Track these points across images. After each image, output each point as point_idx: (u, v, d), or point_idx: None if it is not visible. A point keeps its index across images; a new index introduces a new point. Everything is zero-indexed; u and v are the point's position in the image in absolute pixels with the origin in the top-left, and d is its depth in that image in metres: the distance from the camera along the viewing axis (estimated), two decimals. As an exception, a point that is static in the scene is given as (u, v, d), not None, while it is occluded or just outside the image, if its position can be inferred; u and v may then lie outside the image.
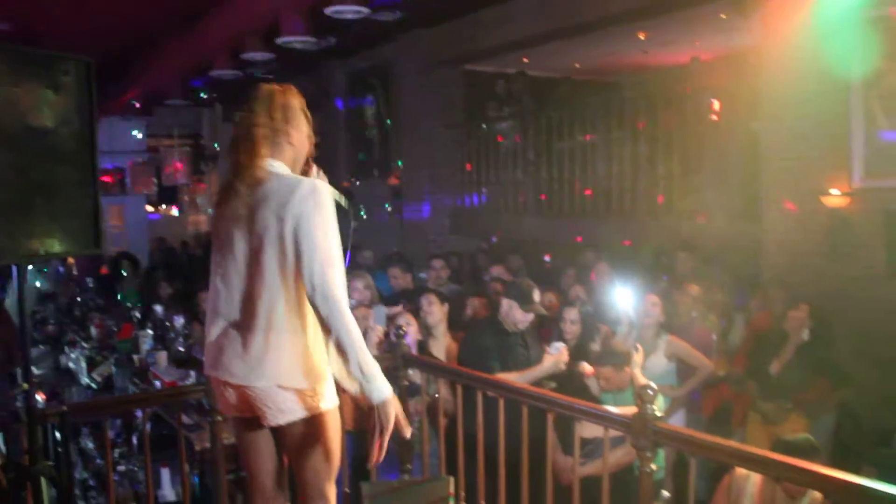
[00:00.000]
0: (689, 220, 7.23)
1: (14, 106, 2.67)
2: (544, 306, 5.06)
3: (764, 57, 6.59)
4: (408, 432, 2.50)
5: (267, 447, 2.74)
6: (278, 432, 2.65)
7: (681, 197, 7.40)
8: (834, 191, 5.91)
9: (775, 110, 6.41)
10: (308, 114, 2.72)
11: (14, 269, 3.06)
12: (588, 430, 3.76)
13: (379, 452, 2.41)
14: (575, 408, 3.18)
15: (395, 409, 2.44)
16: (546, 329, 5.22)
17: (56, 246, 2.90)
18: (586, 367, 4.44)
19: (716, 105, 7.61)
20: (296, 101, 2.69)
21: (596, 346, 5.00)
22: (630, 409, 2.86)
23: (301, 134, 2.68)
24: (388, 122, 11.14)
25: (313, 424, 2.56)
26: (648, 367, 4.82)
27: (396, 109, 11.03)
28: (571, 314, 5.11)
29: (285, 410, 2.52)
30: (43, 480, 2.87)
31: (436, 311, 4.97)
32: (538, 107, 9.94)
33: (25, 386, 2.96)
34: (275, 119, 2.62)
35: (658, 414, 2.80)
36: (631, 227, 7.88)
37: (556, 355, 4.44)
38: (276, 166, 2.59)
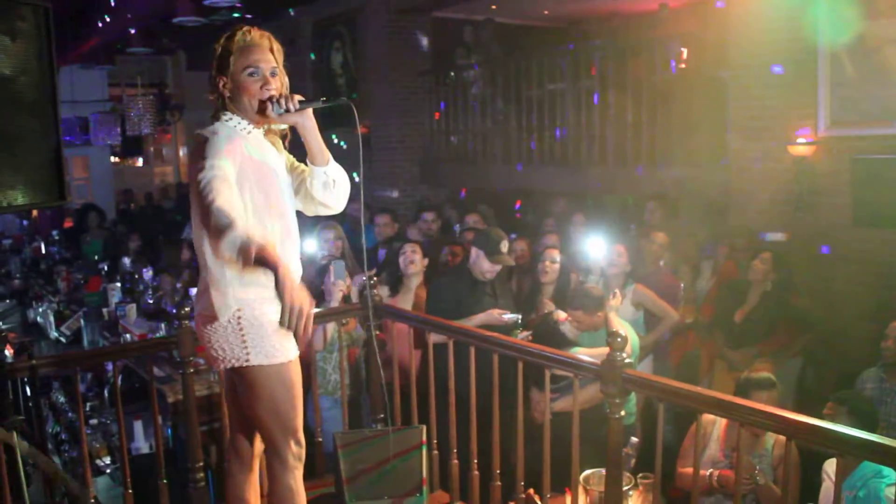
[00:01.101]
0: (657, 169, 7.26)
1: (-31, 55, 2.61)
2: (515, 254, 5.06)
3: (732, 4, 6.57)
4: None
5: (232, 396, 2.81)
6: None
7: (649, 145, 7.42)
8: (801, 139, 5.96)
9: (743, 58, 6.42)
10: (240, 48, 2.58)
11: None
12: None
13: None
14: (545, 356, 3.21)
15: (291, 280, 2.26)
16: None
17: (20, 198, 2.85)
18: (560, 314, 4.47)
19: (684, 53, 7.60)
20: (219, 45, 2.62)
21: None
22: (603, 350, 2.90)
23: (231, 75, 2.58)
24: (349, 71, 10.98)
25: (249, 376, 2.57)
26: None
27: (364, 57, 10.89)
28: (553, 255, 5.11)
29: (219, 357, 2.57)
30: (15, 434, 2.86)
31: (418, 262, 4.96)
32: (506, 55, 9.86)
33: (-8, 340, 2.95)
34: (212, 76, 2.62)
35: (628, 361, 2.84)
36: (600, 176, 7.90)
37: (492, 317, 4.47)
38: (224, 118, 2.60)
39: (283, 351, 2.59)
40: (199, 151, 2.45)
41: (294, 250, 2.69)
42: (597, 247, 5.34)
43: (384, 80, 10.42)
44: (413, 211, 8.51)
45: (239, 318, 2.52)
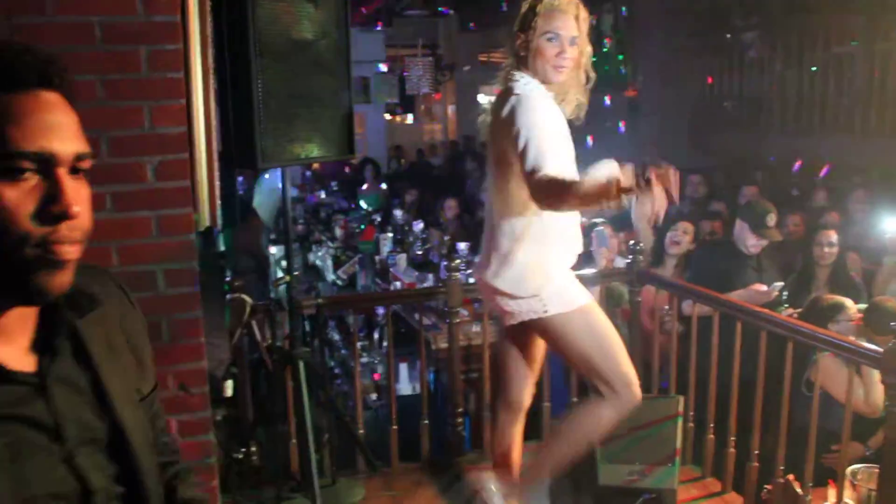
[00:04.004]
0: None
1: (279, 21, 2.87)
2: (788, 230, 4.76)
3: None
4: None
5: (511, 350, 2.88)
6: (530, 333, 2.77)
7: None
8: None
9: None
10: (546, 10, 2.55)
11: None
12: (829, 377, 3.48)
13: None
14: (819, 337, 3.03)
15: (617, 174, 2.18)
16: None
17: (315, 151, 3.13)
18: (852, 310, 3.90)
19: None
20: (527, 2, 2.61)
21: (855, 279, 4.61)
22: None
23: (529, 36, 2.58)
24: (620, 32, 10.78)
25: (550, 327, 2.63)
26: None
27: (634, 18, 10.64)
28: (830, 237, 4.74)
29: (512, 312, 2.64)
30: (301, 363, 3.19)
31: (684, 244, 4.80)
32: (788, 14, 9.20)
33: (288, 277, 3.28)
34: (511, 32, 2.64)
35: (916, 352, 2.61)
36: (890, 147, 7.20)
37: (752, 292, 4.18)
38: (515, 79, 2.60)
39: (576, 297, 2.63)
40: (513, 113, 2.49)
41: (576, 217, 2.75)
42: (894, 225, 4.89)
43: (654, 43, 10.14)
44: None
45: (531, 258, 2.60)
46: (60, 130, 0.93)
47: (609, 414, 2.65)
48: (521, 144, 2.41)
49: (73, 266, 0.96)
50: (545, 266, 2.61)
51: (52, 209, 0.91)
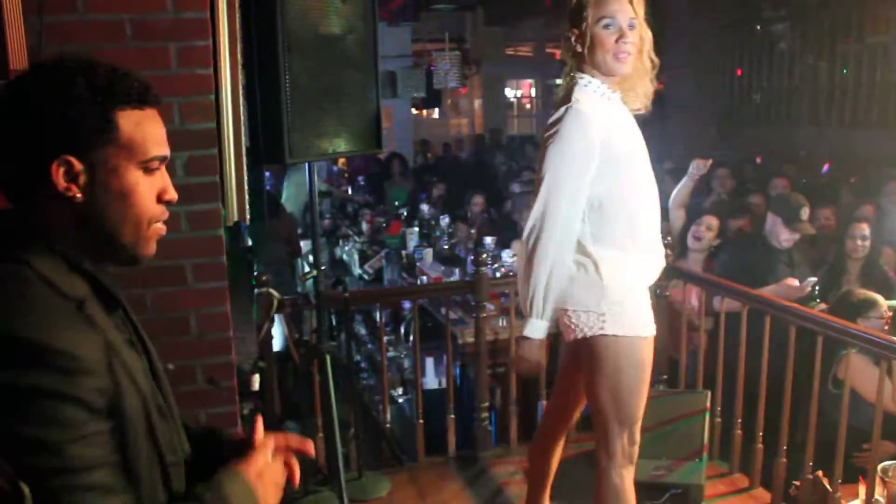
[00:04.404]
0: None
1: (307, 16, 2.89)
2: (820, 223, 4.69)
3: None
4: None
5: (571, 365, 2.67)
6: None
7: None
8: None
9: None
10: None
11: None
12: (857, 375, 3.42)
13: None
14: (850, 332, 2.99)
15: (526, 352, 2.43)
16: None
17: (342, 145, 3.15)
18: (884, 307, 3.72)
19: None
20: None
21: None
22: None
23: (583, 29, 2.33)
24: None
25: (597, 347, 2.39)
26: None
27: (661, 10, 10.55)
28: (863, 230, 4.66)
29: (572, 326, 2.42)
30: (328, 358, 3.21)
31: (706, 240, 4.67)
32: (820, 6, 9.08)
33: (315, 272, 3.28)
34: (566, 29, 2.42)
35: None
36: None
37: (783, 287, 4.10)
38: (581, 82, 2.39)
39: (640, 325, 2.41)
40: (555, 126, 2.33)
41: (654, 233, 2.48)
42: None
43: (682, 34, 10.05)
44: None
45: (598, 269, 2.36)
46: (165, 138, 1.23)
47: (621, 478, 2.46)
48: (540, 177, 2.35)
49: None
50: (613, 271, 2.37)
51: (164, 196, 1.22)
